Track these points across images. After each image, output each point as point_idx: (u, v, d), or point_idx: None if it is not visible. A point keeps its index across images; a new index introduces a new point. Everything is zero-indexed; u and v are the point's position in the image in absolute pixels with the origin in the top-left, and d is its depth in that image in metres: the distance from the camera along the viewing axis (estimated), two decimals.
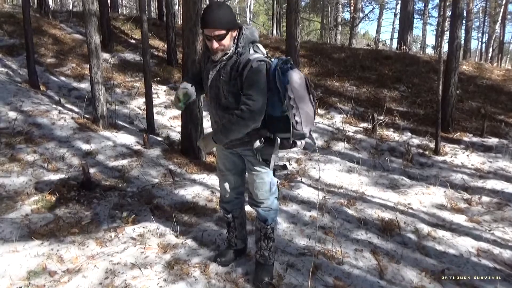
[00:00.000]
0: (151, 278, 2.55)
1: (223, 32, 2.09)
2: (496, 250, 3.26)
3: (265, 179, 2.42)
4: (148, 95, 5.51)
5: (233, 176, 2.57)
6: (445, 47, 8.60)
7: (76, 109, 5.69)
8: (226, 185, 2.59)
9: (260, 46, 2.28)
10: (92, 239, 2.98)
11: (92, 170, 4.06)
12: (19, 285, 2.38)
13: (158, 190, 3.91)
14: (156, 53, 8.81)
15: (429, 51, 20.39)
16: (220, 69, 2.24)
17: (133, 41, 9.35)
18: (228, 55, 2.19)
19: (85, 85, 6.67)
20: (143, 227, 3.19)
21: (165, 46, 8.75)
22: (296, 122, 2.16)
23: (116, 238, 3.03)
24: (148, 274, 2.60)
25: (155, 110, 5.81)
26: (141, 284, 2.48)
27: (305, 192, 4.14)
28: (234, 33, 2.19)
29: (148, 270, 2.64)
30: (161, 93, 7.07)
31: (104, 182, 3.96)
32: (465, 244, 3.33)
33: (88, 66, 5.47)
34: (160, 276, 2.58)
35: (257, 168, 2.39)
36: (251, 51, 2.22)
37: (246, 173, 2.52)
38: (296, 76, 2.15)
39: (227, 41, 2.14)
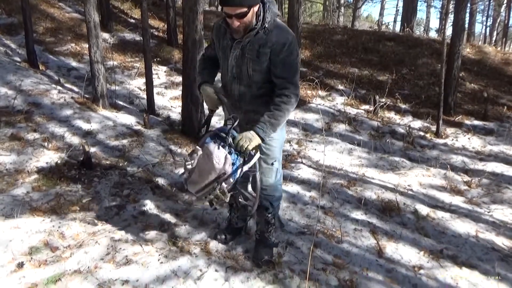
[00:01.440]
0: (152, 254, 2.58)
1: (245, 9, 1.93)
2: (495, 231, 3.29)
3: (274, 166, 2.40)
4: (148, 76, 5.46)
5: None
6: (449, 30, 8.43)
7: (75, 89, 5.65)
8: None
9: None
10: (93, 216, 3.00)
11: (92, 149, 4.05)
12: (21, 260, 2.40)
13: (158, 170, 3.92)
14: (156, 33, 8.69)
15: (433, 34, 20.14)
16: (243, 47, 2.11)
17: (132, 20, 9.22)
18: (254, 32, 2.05)
19: (84, 65, 6.60)
20: (144, 206, 3.21)
21: (165, 26, 8.62)
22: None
23: (117, 216, 3.05)
24: (149, 250, 2.62)
25: (155, 90, 5.77)
26: (142, 260, 2.50)
27: (305, 173, 4.14)
28: (256, 8, 2.02)
29: (149, 247, 2.67)
30: (161, 74, 7.01)
31: (104, 161, 3.96)
32: (464, 225, 3.35)
33: (87, 45, 5.40)
34: (161, 252, 2.61)
35: (267, 153, 2.34)
36: (279, 27, 2.08)
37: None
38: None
39: (249, 18, 1.99)
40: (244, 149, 2.07)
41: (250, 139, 2.09)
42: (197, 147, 2.12)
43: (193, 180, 2.15)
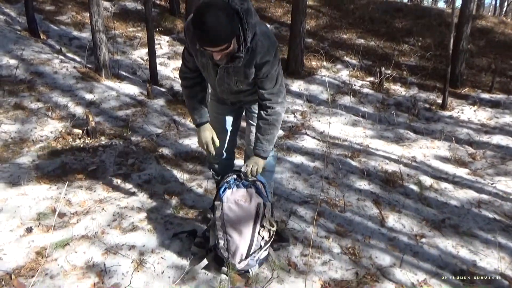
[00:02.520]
0: (158, 221, 2.62)
1: (226, 45, 1.72)
2: (497, 202, 3.30)
3: None
4: (151, 46, 5.38)
5: (229, 135, 2.41)
6: (458, 0, 8.21)
7: (77, 59, 5.59)
8: (217, 143, 2.30)
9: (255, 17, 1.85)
10: (99, 184, 3.03)
11: (96, 119, 4.05)
12: (29, 225, 2.45)
13: (162, 140, 3.92)
14: (158, 2, 8.51)
15: (441, 5, 19.60)
16: (228, 69, 1.94)
17: None
18: (239, 59, 1.85)
19: (86, 34, 6.51)
20: (149, 175, 3.23)
21: None
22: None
23: (123, 184, 3.08)
24: (155, 217, 2.66)
25: (158, 61, 5.70)
26: (148, 227, 2.54)
27: (309, 143, 4.14)
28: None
29: (154, 214, 2.70)
30: (164, 44, 6.91)
31: (108, 131, 3.97)
32: (467, 196, 3.37)
33: (88, 14, 5.30)
34: (167, 219, 2.65)
35: None
36: (261, 41, 1.86)
37: (248, 130, 2.43)
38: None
39: (231, 47, 1.77)
40: (256, 173, 2.14)
41: (256, 163, 2.14)
42: (215, 202, 2.11)
43: (235, 244, 2.08)
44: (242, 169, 2.16)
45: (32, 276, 2.08)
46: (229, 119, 2.39)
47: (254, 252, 2.10)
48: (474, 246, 2.73)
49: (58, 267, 2.16)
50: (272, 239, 2.20)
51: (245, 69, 1.93)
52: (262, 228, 2.08)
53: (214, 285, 2.12)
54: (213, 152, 2.22)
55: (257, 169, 2.14)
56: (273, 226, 2.10)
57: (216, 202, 2.09)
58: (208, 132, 2.21)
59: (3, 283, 2.03)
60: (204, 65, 2.00)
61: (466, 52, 6.17)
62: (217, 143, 2.22)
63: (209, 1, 1.65)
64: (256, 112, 2.28)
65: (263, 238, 2.10)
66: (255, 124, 2.30)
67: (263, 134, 2.09)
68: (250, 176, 2.14)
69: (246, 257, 2.08)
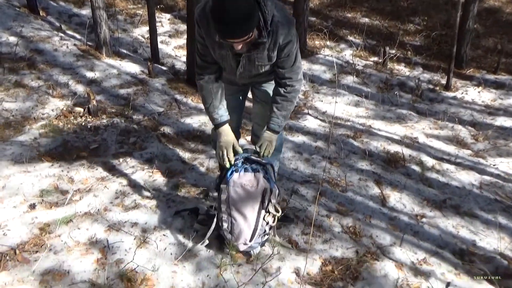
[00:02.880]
0: (160, 199, 2.63)
1: (249, 35, 1.68)
2: (499, 183, 3.30)
3: None
4: (152, 24, 5.28)
5: (235, 115, 2.38)
6: None
7: (78, 36, 5.51)
8: (240, 150, 2.26)
9: None
10: (101, 162, 3.03)
11: (97, 97, 4.02)
12: (32, 202, 2.46)
13: (164, 119, 3.90)
14: None
15: None
16: (250, 56, 1.89)
17: None
18: (262, 46, 1.82)
19: (85, 12, 6.40)
20: (151, 153, 3.23)
21: None
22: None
23: (125, 163, 3.08)
24: (157, 195, 2.67)
25: (159, 39, 5.62)
26: (150, 204, 2.56)
27: (312, 123, 4.12)
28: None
29: (156, 192, 2.72)
30: (165, 22, 6.80)
31: (110, 110, 3.95)
32: (469, 177, 3.37)
33: None
34: (169, 197, 2.66)
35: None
36: (281, 22, 1.81)
37: (256, 108, 2.42)
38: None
39: (252, 35, 1.72)
40: (270, 154, 2.14)
41: (271, 142, 2.14)
42: (221, 185, 2.06)
43: (239, 228, 2.07)
44: (258, 149, 2.14)
45: (36, 252, 2.11)
46: (236, 99, 2.37)
47: (258, 236, 2.11)
48: (474, 226, 2.75)
49: (61, 243, 2.18)
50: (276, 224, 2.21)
51: (269, 53, 1.89)
52: (267, 214, 2.08)
53: (215, 263, 2.15)
54: (227, 163, 2.08)
55: (271, 148, 2.14)
56: (278, 212, 2.10)
57: (223, 185, 2.05)
58: (231, 137, 2.12)
59: (7, 258, 2.05)
60: (223, 56, 1.93)
61: (472, 32, 6.05)
62: (240, 150, 2.14)
63: None
64: (264, 88, 2.26)
65: (267, 223, 2.11)
66: (262, 101, 2.29)
67: (280, 109, 2.08)
68: (265, 155, 2.13)
69: (250, 241, 2.09)
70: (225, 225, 2.09)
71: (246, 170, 2.09)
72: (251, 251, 2.17)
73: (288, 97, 2.05)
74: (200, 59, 2.02)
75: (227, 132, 2.12)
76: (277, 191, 2.12)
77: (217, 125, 2.13)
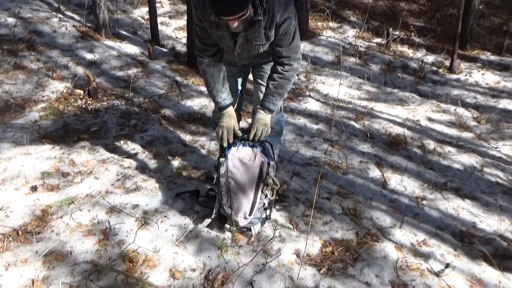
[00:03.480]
0: (161, 181, 2.63)
1: (243, 12, 1.66)
2: (501, 166, 3.30)
3: None
4: (152, 4, 5.20)
5: (236, 97, 2.38)
6: None
7: (77, 17, 5.44)
8: (239, 133, 2.27)
9: None
10: (102, 145, 3.03)
11: (97, 80, 4.00)
12: (34, 184, 2.47)
13: (165, 101, 3.88)
14: None
15: None
16: (247, 35, 1.87)
17: None
18: (258, 24, 1.80)
19: None
20: (151, 136, 3.22)
21: None
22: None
23: (126, 145, 3.08)
24: (158, 177, 2.68)
25: (159, 20, 5.54)
26: (152, 186, 2.56)
27: (313, 106, 4.09)
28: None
29: (157, 174, 2.72)
30: (165, 2, 6.69)
31: (110, 92, 3.92)
32: (470, 160, 3.36)
33: None
34: (170, 180, 2.66)
35: None
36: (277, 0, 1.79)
37: (256, 89, 2.39)
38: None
39: (247, 14, 1.71)
40: (265, 137, 2.12)
41: (265, 124, 2.11)
42: (220, 159, 2.08)
43: (238, 201, 2.08)
44: (250, 134, 2.12)
45: (39, 233, 2.13)
46: (237, 81, 2.36)
47: (257, 210, 2.12)
48: (475, 208, 2.75)
49: (63, 224, 2.20)
50: (274, 198, 2.22)
51: (265, 31, 1.86)
52: (266, 187, 2.09)
53: (216, 244, 2.16)
54: (225, 143, 2.12)
55: (266, 132, 2.13)
56: (276, 185, 2.10)
57: (221, 159, 2.08)
58: (234, 120, 2.14)
59: (10, 238, 2.07)
60: (221, 37, 1.92)
61: (477, 13, 5.95)
62: (239, 133, 2.15)
63: None
64: (265, 71, 2.24)
65: (266, 196, 2.11)
66: (263, 83, 2.27)
67: (276, 88, 2.06)
68: (257, 140, 2.12)
69: (250, 215, 2.10)
70: (224, 199, 2.11)
71: (244, 144, 2.12)
72: (252, 228, 2.18)
73: (285, 75, 2.03)
74: (199, 41, 2.01)
75: (230, 114, 2.14)
76: (275, 165, 2.12)
77: (220, 108, 2.14)
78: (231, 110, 2.15)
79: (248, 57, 2.07)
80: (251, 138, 2.12)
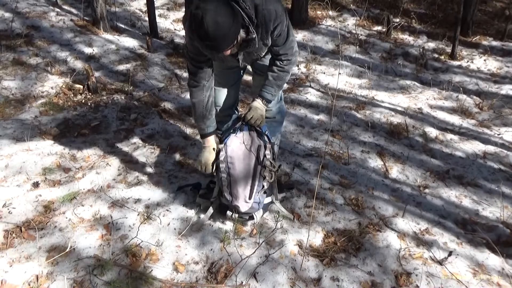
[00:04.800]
0: (162, 175, 2.64)
1: (234, 42, 1.70)
2: (503, 153, 3.28)
3: None
4: None
5: (232, 88, 2.36)
6: None
7: (74, 11, 5.40)
8: (222, 99, 2.35)
9: None
10: (103, 139, 3.03)
11: (96, 74, 3.98)
12: (36, 180, 2.48)
13: (164, 94, 3.87)
14: None
15: None
16: (247, 50, 1.89)
17: None
18: (252, 40, 1.79)
19: None
20: (152, 129, 3.22)
21: None
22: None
23: (126, 139, 3.07)
24: (159, 171, 2.68)
25: (157, 12, 5.49)
26: (153, 180, 2.56)
27: (313, 96, 4.07)
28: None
29: (159, 168, 2.72)
30: None
31: (109, 86, 3.91)
32: (472, 147, 3.34)
33: None
34: (171, 173, 2.67)
35: None
36: (266, 10, 1.77)
37: (257, 80, 2.35)
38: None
39: (239, 39, 1.73)
40: (259, 124, 2.11)
41: (261, 114, 2.10)
42: (218, 146, 2.11)
43: (238, 185, 2.08)
44: (247, 115, 2.11)
45: (42, 229, 2.14)
46: (234, 74, 2.35)
47: (257, 193, 2.12)
48: (477, 196, 2.75)
49: (66, 220, 2.21)
50: (273, 181, 2.21)
51: (263, 41, 1.89)
52: (264, 169, 2.10)
53: (219, 236, 2.17)
54: (205, 172, 2.18)
55: (261, 122, 2.12)
56: (274, 167, 2.12)
57: (220, 145, 2.12)
58: (212, 155, 2.15)
59: (13, 235, 2.08)
60: (221, 58, 1.95)
61: None
62: (209, 171, 2.16)
63: (204, 3, 1.56)
64: (264, 61, 2.22)
65: (264, 178, 2.12)
66: (261, 74, 2.25)
67: (275, 79, 2.07)
68: (251, 122, 2.11)
69: (250, 198, 2.10)
70: (224, 184, 2.11)
71: (241, 129, 2.14)
72: (254, 215, 2.18)
73: (285, 68, 2.06)
74: (192, 64, 1.99)
75: (209, 146, 2.15)
76: (271, 147, 2.14)
77: (202, 135, 2.17)
78: (211, 140, 2.16)
79: (251, 61, 2.14)
80: (247, 118, 2.10)
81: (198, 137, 3.13)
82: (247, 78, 2.51)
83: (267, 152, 2.10)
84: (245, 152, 2.10)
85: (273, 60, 2.07)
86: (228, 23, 1.59)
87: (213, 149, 2.15)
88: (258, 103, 2.12)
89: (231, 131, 2.14)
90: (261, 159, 2.08)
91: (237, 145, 2.10)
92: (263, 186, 2.14)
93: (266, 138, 2.14)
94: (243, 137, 2.12)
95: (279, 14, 1.81)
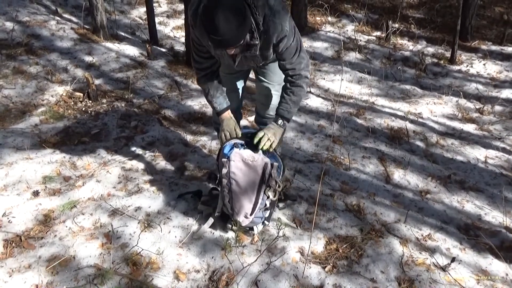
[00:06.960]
0: (162, 182, 2.62)
1: (241, 42, 1.70)
2: (504, 157, 3.27)
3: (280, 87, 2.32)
4: (149, 4, 5.17)
5: (236, 95, 2.39)
6: None
7: (74, 19, 5.42)
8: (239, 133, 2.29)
9: None
10: (103, 147, 3.02)
11: (97, 82, 3.99)
12: (36, 189, 2.47)
13: (165, 101, 3.87)
14: None
15: None
16: (245, 54, 1.89)
17: None
18: (254, 45, 1.81)
19: None
20: (152, 136, 3.21)
21: None
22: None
23: (126, 147, 3.07)
24: (160, 179, 2.67)
25: (157, 20, 5.52)
26: (153, 188, 2.55)
27: (314, 102, 4.07)
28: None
29: (159, 176, 2.71)
30: (162, 2, 6.66)
31: (110, 94, 3.91)
32: (474, 152, 3.33)
33: None
34: (171, 181, 2.65)
35: (276, 78, 2.26)
36: (274, 21, 1.77)
37: (260, 87, 2.37)
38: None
39: (245, 40, 1.74)
40: (269, 148, 2.08)
41: (274, 134, 2.08)
42: (222, 159, 2.06)
43: (240, 202, 2.06)
44: (255, 138, 2.08)
45: (42, 238, 2.13)
46: (239, 78, 2.36)
47: (258, 211, 2.11)
48: (479, 201, 2.73)
49: (66, 228, 2.20)
50: (277, 199, 2.20)
51: (262, 52, 1.88)
52: (268, 188, 2.07)
53: (220, 244, 2.15)
54: (224, 140, 2.17)
55: (271, 144, 2.08)
56: (279, 187, 2.09)
57: (224, 159, 2.05)
58: (232, 121, 2.20)
59: (13, 244, 2.07)
60: (219, 55, 1.97)
61: (477, 3, 5.89)
62: (239, 134, 2.17)
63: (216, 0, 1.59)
64: (267, 68, 2.23)
65: (268, 197, 2.10)
66: (265, 80, 2.28)
67: (289, 95, 2.06)
68: (260, 148, 2.07)
69: (251, 214, 2.08)
70: (226, 199, 2.09)
71: (244, 148, 2.11)
72: (254, 227, 2.17)
73: (296, 83, 2.03)
74: (197, 55, 2.06)
75: (228, 117, 2.21)
76: (278, 165, 2.09)
77: (218, 113, 2.21)
78: (228, 113, 2.21)
79: (248, 67, 2.14)
80: (255, 142, 2.08)
81: (199, 143, 3.14)
82: (250, 84, 2.52)
83: (274, 171, 2.04)
84: (249, 169, 2.04)
85: (285, 76, 2.06)
86: (238, 23, 1.60)
87: (230, 117, 2.19)
88: (273, 124, 2.11)
89: (235, 145, 2.10)
90: (267, 177, 2.04)
91: (242, 160, 2.04)
92: (266, 204, 2.13)
93: (275, 154, 2.11)
94: (249, 152, 2.07)
95: (285, 29, 1.81)
